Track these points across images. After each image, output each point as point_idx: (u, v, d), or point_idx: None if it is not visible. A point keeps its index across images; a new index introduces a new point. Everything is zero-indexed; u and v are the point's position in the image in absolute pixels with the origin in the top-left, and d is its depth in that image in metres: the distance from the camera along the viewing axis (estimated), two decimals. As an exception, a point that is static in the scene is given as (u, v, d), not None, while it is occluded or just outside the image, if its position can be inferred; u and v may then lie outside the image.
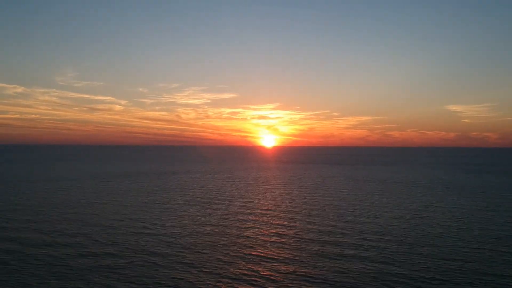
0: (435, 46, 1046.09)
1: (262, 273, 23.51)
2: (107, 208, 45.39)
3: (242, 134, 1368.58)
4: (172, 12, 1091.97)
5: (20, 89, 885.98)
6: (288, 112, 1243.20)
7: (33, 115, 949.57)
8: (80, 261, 25.35)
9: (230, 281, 22.13)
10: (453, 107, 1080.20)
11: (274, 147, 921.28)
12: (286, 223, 37.56)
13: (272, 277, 22.73)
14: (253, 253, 27.67)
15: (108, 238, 31.30)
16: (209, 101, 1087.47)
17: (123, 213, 41.89)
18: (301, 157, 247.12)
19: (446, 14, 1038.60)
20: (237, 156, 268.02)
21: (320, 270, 23.84)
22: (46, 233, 32.72)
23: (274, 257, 26.65)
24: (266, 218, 40.16)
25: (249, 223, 37.45)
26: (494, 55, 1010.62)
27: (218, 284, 21.65)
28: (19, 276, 22.49)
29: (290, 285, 21.55)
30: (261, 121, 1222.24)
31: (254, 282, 21.95)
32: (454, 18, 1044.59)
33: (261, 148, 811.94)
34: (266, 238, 31.64)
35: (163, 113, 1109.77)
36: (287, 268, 24.22)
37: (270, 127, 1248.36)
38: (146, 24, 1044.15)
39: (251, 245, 29.59)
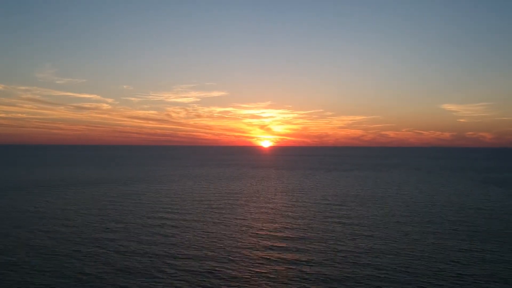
0: (430, 44, 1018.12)
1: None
2: None
3: (236, 134, 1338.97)
4: (154, 5, 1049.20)
5: (0, 87, 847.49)
6: (280, 111, 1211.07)
7: (20, 114, 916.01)
8: None
9: None
10: (449, 106, 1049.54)
11: (270, 147, 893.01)
12: None
13: None
14: None
15: None
16: (198, 99, 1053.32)
17: None
18: (289, 159, 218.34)
19: (441, 13, 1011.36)
20: (222, 157, 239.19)
21: None
22: None
23: None
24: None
25: None
26: (490, 54, 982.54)
27: None
28: None
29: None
30: (253, 121, 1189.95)
31: None
32: (450, 18, 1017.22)
33: (258, 148, 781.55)
34: None
35: (152, 112, 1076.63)
36: None
37: (263, 126, 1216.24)
38: (125, 18, 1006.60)
39: None
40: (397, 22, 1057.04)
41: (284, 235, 33.08)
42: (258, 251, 28.22)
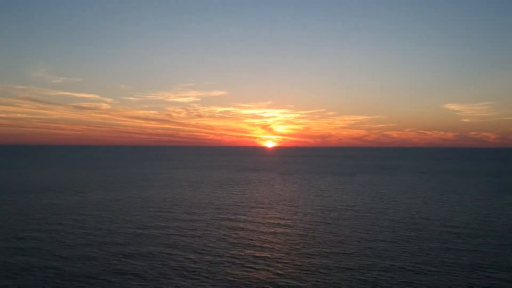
0: (433, 44, 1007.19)
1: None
2: None
3: (238, 134, 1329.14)
4: (151, 3, 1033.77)
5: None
6: (281, 111, 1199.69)
7: (19, 114, 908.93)
8: None
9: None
10: (452, 106, 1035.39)
11: (274, 148, 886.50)
12: None
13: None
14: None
15: None
16: (198, 99, 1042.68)
17: None
18: (291, 161, 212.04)
19: (444, 12, 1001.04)
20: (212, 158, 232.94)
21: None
22: None
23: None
24: None
25: None
26: (493, 53, 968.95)
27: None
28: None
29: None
30: (255, 121, 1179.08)
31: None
32: (452, 17, 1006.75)
33: (262, 149, 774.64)
34: None
35: (153, 111, 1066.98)
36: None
37: (265, 126, 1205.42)
38: (120, 15, 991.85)
39: None
40: (399, 21, 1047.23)
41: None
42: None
